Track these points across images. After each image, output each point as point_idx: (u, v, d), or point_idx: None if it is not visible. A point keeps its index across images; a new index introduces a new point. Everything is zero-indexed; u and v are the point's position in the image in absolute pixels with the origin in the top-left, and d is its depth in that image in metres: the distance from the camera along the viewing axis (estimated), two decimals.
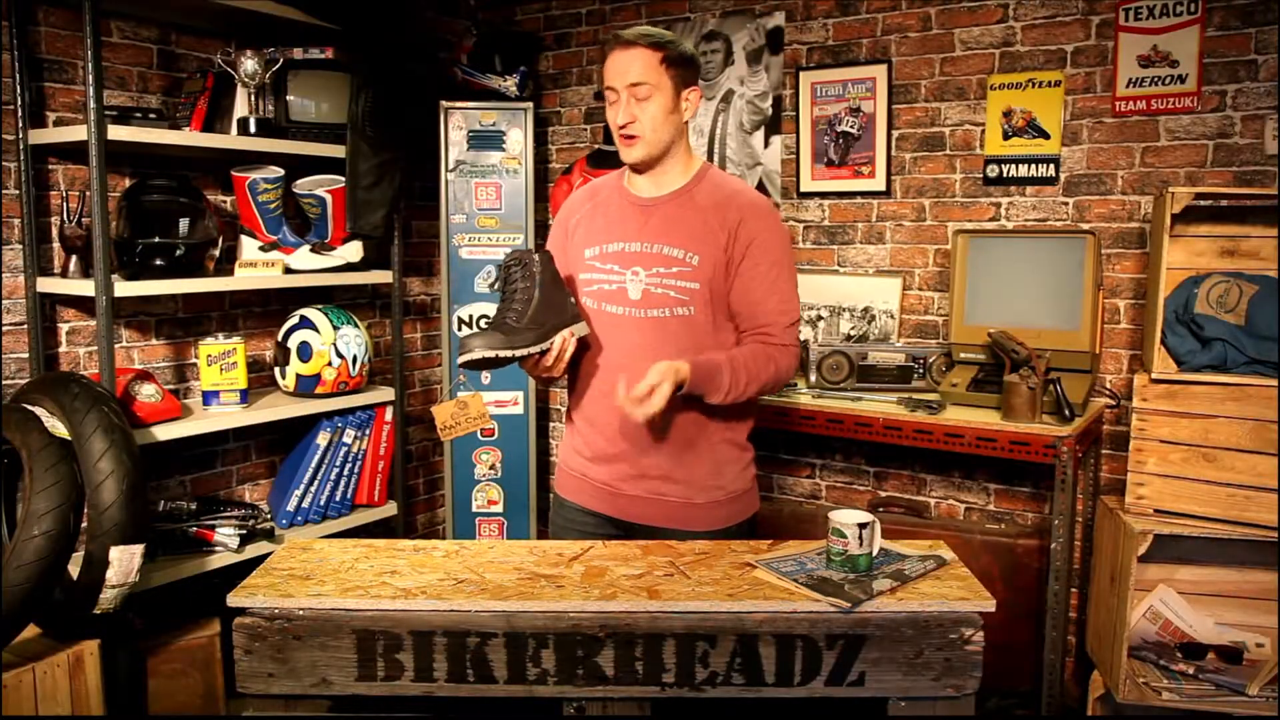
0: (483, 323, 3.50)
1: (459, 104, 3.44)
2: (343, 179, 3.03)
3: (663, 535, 1.94)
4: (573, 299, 1.93)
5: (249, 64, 2.79)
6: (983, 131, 3.06)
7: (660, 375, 1.77)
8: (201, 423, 2.71)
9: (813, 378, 2.99)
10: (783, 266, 1.94)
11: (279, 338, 2.98)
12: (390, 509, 3.27)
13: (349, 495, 3.12)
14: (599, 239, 1.98)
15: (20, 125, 2.53)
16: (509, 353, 1.83)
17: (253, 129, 2.84)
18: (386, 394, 3.19)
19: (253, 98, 2.84)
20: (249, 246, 2.91)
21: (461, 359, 1.82)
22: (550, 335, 1.87)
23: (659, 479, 1.96)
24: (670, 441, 1.94)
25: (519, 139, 3.48)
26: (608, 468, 2.00)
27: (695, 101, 1.94)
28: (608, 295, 1.95)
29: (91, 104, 2.36)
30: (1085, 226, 2.89)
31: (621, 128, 1.90)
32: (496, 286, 1.95)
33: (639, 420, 1.81)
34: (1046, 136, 2.95)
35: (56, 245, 2.66)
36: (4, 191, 2.57)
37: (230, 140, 2.81)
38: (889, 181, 3.23)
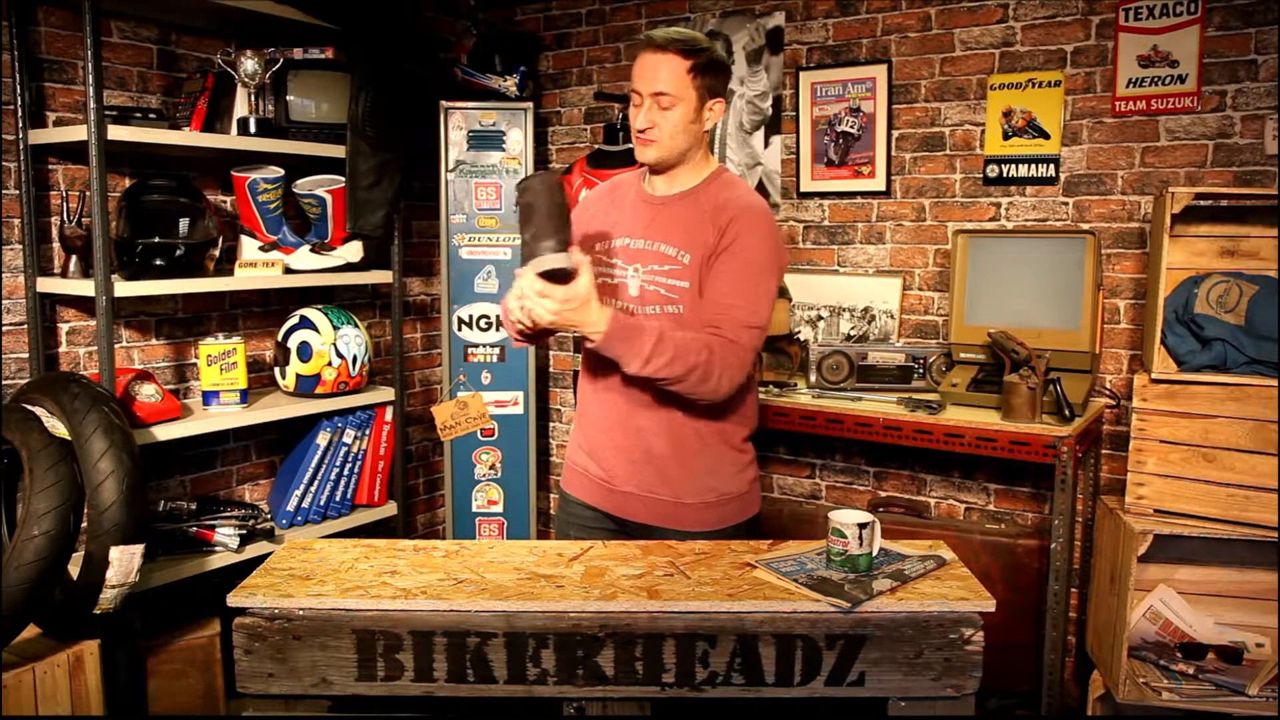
0: (482, 323, 3.50)
1: (459, 104, 3.44)
2: (343, 179, 3.03)
3: (656, 534, 1.95)
4: (567, 232, 1.75)
5: (249, 64, 2.79)
6: (983, 131, 3.06)
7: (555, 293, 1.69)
8: (201, 423, 2.71)
9: (813, 378, 2.99)
10: (754, 269, 1.88)
11: (279, 338, 2.98)
12: (390, 509, 3.27)
13: (349, 495, 3.12)
14: (609, 233, 2.00)
15: (20, 125, 2.53)
16: (563, 262, 1.69)
17: (253, 129, 2.84)
18: (386, 394, 3.19)
19: (253, 98, 2.84)
20: (249, 246, 2.91)
21: (538, 269, 1.69)
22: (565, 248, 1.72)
23: (652, 477, 1.97)
24: (665, 440, 1.95)
25: (519, 139, 3.48)
26: (605, 463, 2.01)
27: (718, 113, 1.94)
28: (609, 290, 1.96)
29: (91, 104, 2.36)
30: (1085, 226, 2.89)
31: (640, 131, 1.91)
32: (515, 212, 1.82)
33: (526, 307, 1.72)
34: (1046, 136, 2.95)
35: (56, 245, 2.66)
36: (4, 191, 2.57)
37: (230, 140, 2.81)
38: (889, 181, 3.23)
